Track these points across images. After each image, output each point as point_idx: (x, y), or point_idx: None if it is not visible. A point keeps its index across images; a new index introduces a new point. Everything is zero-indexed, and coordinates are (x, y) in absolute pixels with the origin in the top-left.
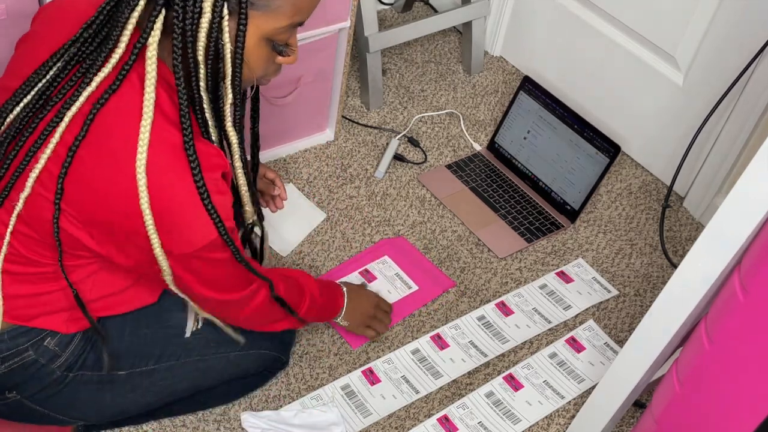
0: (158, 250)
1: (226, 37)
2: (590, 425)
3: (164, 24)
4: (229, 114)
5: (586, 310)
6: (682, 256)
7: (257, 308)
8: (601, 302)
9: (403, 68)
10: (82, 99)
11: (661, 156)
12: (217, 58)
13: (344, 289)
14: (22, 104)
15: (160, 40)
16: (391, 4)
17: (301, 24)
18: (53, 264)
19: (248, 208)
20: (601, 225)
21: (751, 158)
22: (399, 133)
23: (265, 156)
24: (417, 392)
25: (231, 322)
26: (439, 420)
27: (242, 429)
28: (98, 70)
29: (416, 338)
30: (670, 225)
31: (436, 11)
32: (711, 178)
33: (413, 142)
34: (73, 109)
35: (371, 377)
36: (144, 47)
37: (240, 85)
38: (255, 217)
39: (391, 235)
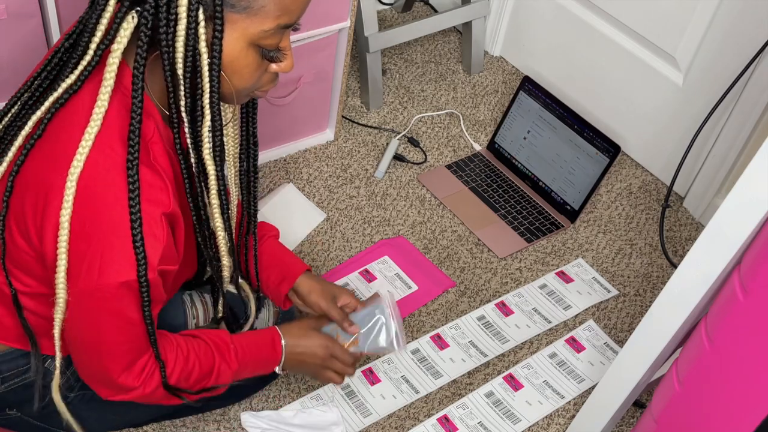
0: (61, 275)
1: (203, 46)
2: (590, 425)
3: (138, 33)
4: (207, 140)
5: (586, 310)
6: (682, 256)
7: (143, 396)
8: (601, 302)
9: (403, 68)
10: (47, 104)
11: (661, 156)
12: (195, 70)
13: (283, 342)
14: (9, 115)
15: (130, 49)
16: (391, 4)
17: (291, 26)
18: (24, 289)
19: (225, 261)
20: (601, 225)
21: (751, 158)
22: (399, 133)
23: (265, 156)
24: (417, 392)
25: (100, 393)
26: (439, 420)
27: (242, 429)
28: (66, 77)
29: (416, 338)
30: (670, 225)
31: (436, 11)
32: (711, 178)
33: (413, 142)
34: (38, 113)
35: (371, 377)
36: (107, 51)
37: (218, 102)
38: (231, 276)
39: (391, 235)
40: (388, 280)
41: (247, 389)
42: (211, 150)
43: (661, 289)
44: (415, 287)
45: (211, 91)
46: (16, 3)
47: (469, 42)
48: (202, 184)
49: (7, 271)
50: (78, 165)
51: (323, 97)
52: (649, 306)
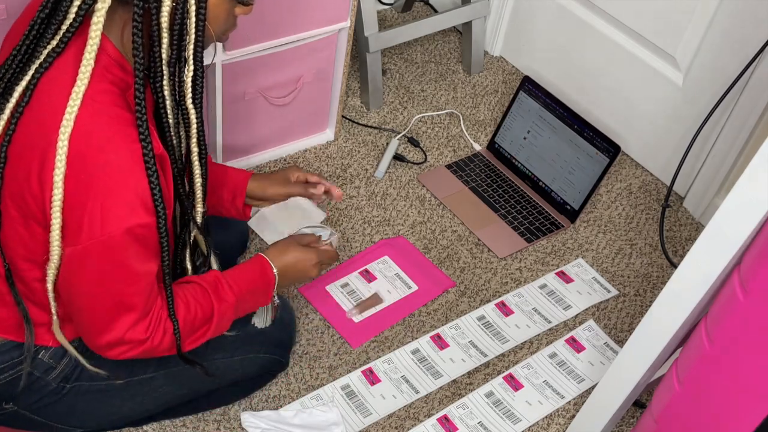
0: (56, 233)
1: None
2: (590, 425)
3: None
4: (189, 89)
5: (586, 310)
6: (682, 256)
7: (150, 349)
8: (601, 302)
9: (403, 68)
10: (31, 72)
11: (661, 156)
12: (183, 23)
13: (274, 269)
14: None
15: (109, 12)
16: (391, 4)
17: None
18: (19, 273)
19: (200, 207)
20: (601, 225)
21: (751, 158)
22: (399, 133)
23: (265, 156)
24: (417, 392)
25: (97, 350)
26: (439, 420)
27: (242, 429)
28: (47, 43)
29: (416, 338)
30: (670, 225)
31: (436, 11)
32: (711, 178)
33: (413, 142)
34: (23, 83)
35: (371, 377)
36: (89, 12)
37: (202, 52)
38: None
39: (391, 235)
40: (388, 280)
41: (247, 388)
42: (192, 98)
43: (661, 289)
44: (415, 287)
45: (196, 41)
46: (16, 3)
47: (469, 42)
48: (182, 132)
49: (2, 250)
50: (68, 124)
51: (323, 97)
52: (649, 306)
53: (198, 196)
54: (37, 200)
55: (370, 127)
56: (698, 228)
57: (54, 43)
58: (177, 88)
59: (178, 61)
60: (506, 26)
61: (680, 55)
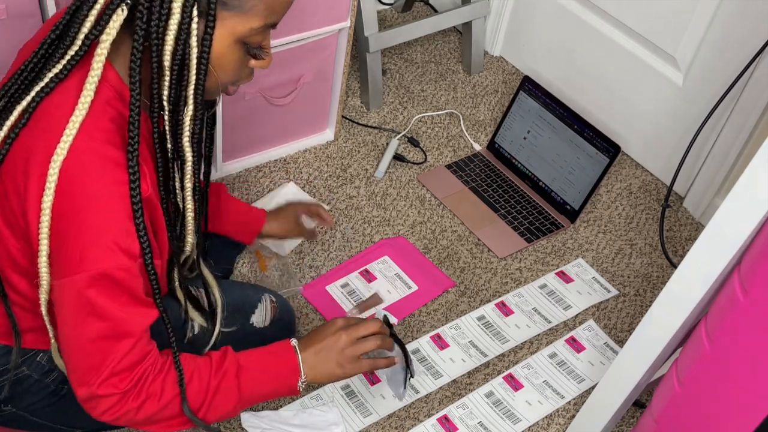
0: (44, 259)
1: (194, 41)
2: (590, 425)
3: (127, 27)
4: (187, 128)
5: (586, 310)
6: (682, 256)
7: (123, 414)
8: (601, 302)
9: (403, 68)
10: (32, 94)
11: (661, 156)
12: (183, 63)
13: (299, 357)
14: None
15: (117, 43)
16: (391, 4)
17: (274, 26)
18: (9, 283)
19: (190, 238)
20: (601, 225)
21: (751, 158)
22: (399, 133)
23: (265, 156)
24: (417, 392)
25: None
26: (439, 420)
27: (242, 429)
28: (52, 67)
29: (416, 338)
30: (670, 225)
31: (436, 11)
32: (711, 178)
33: (413, 142)
34: (23, 103)
35: (371, 377)
36: (95, 42)
37: (202, 94)
38: (195, 255)
39: (391, 235)
40: (388, 280)
41: None
42: (190, 137)
43: (661, 289)
44: (415, 287)
45: (197, 83)
46: (16, 3)
47: (469, 42)
48: (177, 168)
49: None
50: (61, 153)
51: (323, 97)
52: (649, 306)
53: (189, 228)
54: (27, 221)
55: (370, 127)
56: (698, 228)
57: (58, 68)
58: (175, 125)
59: (177, 99)
60: (506, 26)
61: (680, 55)
